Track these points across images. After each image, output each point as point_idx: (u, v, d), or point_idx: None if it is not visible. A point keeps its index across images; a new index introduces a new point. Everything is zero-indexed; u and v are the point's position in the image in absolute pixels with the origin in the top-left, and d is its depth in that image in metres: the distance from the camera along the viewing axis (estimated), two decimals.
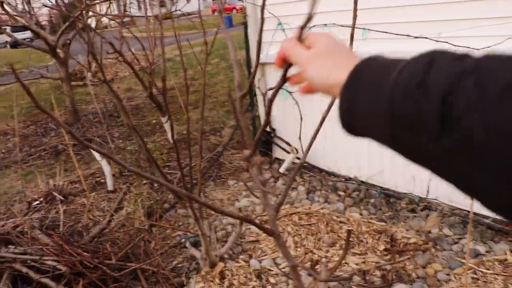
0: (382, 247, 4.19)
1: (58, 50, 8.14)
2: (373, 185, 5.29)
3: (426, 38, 4.27)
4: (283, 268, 4.15)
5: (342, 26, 4.86)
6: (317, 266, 4.09)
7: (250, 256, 4.37)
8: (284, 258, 2.93)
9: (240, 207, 5.30)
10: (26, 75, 9.16)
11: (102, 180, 6.33)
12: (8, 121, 10.10)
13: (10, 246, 4.71)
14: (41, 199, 5.96)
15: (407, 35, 4.39)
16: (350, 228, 4.10)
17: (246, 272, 4.10)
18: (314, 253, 4.25)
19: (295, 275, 2.36)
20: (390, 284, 3.77)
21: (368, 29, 4.64)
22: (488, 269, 3.76)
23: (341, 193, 5.33)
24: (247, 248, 4.52)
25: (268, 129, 6.15)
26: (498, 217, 3.37)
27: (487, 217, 4.40)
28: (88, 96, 10.96)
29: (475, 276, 3.76)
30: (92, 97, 8.62)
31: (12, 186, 6.67)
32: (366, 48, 4.80)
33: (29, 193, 6.15)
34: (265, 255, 4.36)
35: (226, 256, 4.34)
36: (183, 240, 4.65)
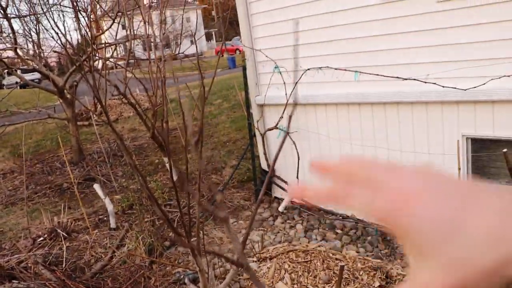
0: (377, 284, 4.26)
1: (65, 92, 8.44)
2: (370, 223, 5.40)
3: (415, 79, 4.49)
4: None
5: (335, 69, 5.12)
6: None
7: None
8: None
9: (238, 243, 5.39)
10: (34, 115, 9.43)
11: (105, 218, 6.46)
12: (15, 159, 10.31)
13: (14, 281, 4.83)
14: (45, 235, 6.09)
15: (397, 77, 4.61)
16: (343, 264, 4.18)
17: None
18: None
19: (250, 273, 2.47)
20: None
21: (360, 72, 4.86)
22: None
23: (339, 231, 5.43)
24: (244, 285, 4.59)
25: (267, 168, 6.31)
26: None
27: None
28: (93, 135, 11.21)
29: None
30: (97, 137, 8.85)
31: (18, 222, 6.80)
32: (358, 89, 5.02)
33: (34, 230, 6.28)
34: None
35: None
36: (182, 276, 4.74)
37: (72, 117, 8.60)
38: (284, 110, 5.67)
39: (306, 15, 5.23)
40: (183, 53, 8.70)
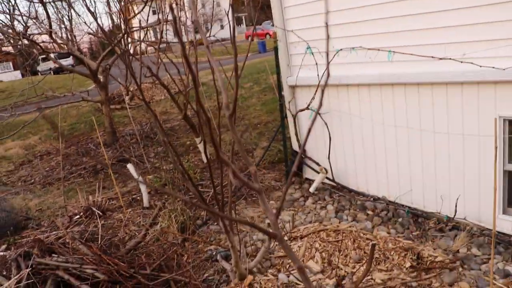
0: (408, 264, 4.25)
1: (99, 75, 8.61)
2: (402, 204, 5.36)
3: (450, 59, 4.39)
4: (312, 282, 4.25)
5: (369, 49, 5.06)
6: (343, 281, 4.19)
7: (279, 270, 4.49)
8: (291, 261, 3.02)
9: (269, 223, 5.45)
10: (69, 98, 9.66)
11: (138, 197, 6.61)
12: (52, 142, 10.62)
13: (53, 255, 5.02)
14: (81, 213, 6.28)
15: (432, 57, 4.52)
16: (374, 242, 4.18)
17: (274, 285, 4.22)
18: (341, 269, 4.34)
19: (303, 277, 2.52)
20: None
21: (394, 52, 4.79)
22: None
23: (370, 212, 5.42)
24: (275, 263, 4.65)
25: (298, 149, 6.32)
26: None
27: None
28: (125, 118, 11.42)
29: None
30: (130, 119, 9.01)
31: (55, 201, 7.03)
32: (392, 70, 4.96)
33: (70, 208, 6.48)
34: (292, 270, 4.48)
35: (255, 270, 4.48)
36: (214, 253, 4.83)
37: (105, 99, 8.78)
38: (316, 91, 5.65)
39: None
40: (214, 35, 8.75)
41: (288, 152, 6.51)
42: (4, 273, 5.02)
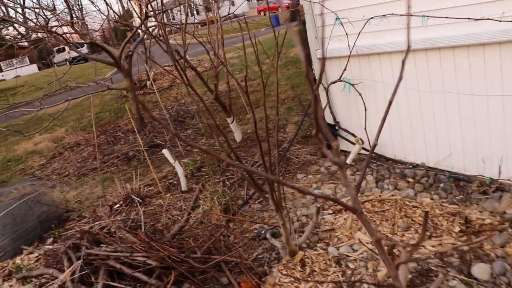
0: (457, 229, 4.25)
1: (122, 62, 8.63)
2: (441, 170, 5.33)
3: (488, 19, 4.29)
4: (361, 253, 4.29)
5: (401, 15, 4.96)
6: (394, 250, 4.21)
7: (327, 244, 4.54)
8: (368, 234, 3.02)
9: (309, 200, 5.48)
10: (92, 88, 9.73)
11: (175, 182, 6.68)
12: (79, 132, 10.74)
13: (101, 245, 5.13)
14: (121, 202, 6.39)
15: (468, 18, 4.42)
16: (427, 209, 4.18)
17: (325, 259, 4.27)
18: (390, 238, 4.37)
19: (380, 249, 2.54)
20: (469, 265, 3.84)
21: (428, 16, 4.69)
22: None
23: (410, 179, 5.40)
24: (323, 237, 4.69)
25: (332, 122, 6.30)
26: None
27: None
28: (149, 103, 11.47)
29: None
30: (159, 103, 9.03)
31: (92, 192, 7.16)
32: (426, 35, 4.86)
33: (109, 197, 6.59)
34: (341, 242, 4.52)
35: (304, 245, 4.53)
36: (263, 231, 4.88)
37: (130, 86, 8.81)
38: (347, 62, 5.59)
39: None
40: (233, 13, 8.67)
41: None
42: (55, 266, 5.17)
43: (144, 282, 4.49)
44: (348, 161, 6.03)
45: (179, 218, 5.73)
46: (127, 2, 23.23)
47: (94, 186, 7.39)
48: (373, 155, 5.95)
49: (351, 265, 4.18)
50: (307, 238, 4.54)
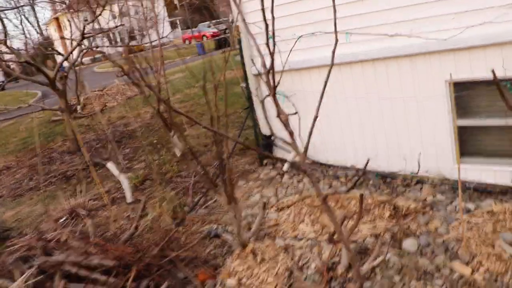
0: (387, 214, 4.87)
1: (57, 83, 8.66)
2: (369, 170, 5.99)
3: (400, 35, 5.09)
4: (305, 242, 4.75)
5: (327, 33, 5.65)
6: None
7: (274, 237, 4.96)
8: (316, 192, 3.42)
9: (253, 202, 5.90)
10: (22, 111, 9.57)
11: (119, 195, 6.82)
12: (6, 157, 10.42)
13: (53, 253, 5.17)
14: (66, 216, 6.41)
15: (384, 34, 5.19)
16: (362, 193, 4.73)
17: (274, 249, 4.68)
18: (329, 227, 4.88)
19: (325, 207, 3.03)
20: (400, 241, 4.44)
21: (351, 33, 5.41)
22: (479, 218, 4.48)
23: (343, 180, 6.01)
24: (269, 232, 5.11)
25: (268, 133, 6.81)
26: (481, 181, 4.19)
27: (472, 182, 5.15)
28: (80, 127, 11.40)
29: (469, 224, 4.47)
30: (91, 126, 9.11)
31: (31, 210, 7.07)
32: (349, 50, 5.58)
33: (53, 213, 6.58)
34: (287, 234, 4.96)
35: (252, 239, 4.91)
36: (213, 230, 5.21)
37: (66, 107, 8.81)
38: (280, 77, 6.15)
39: None
40: (162, 38, 9.04)
41: (258, 136, 6.98)
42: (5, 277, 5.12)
43: (102, 283, 4.60)
44: (285, 168, 6.55)
45: (128, 227, 5.88)
46: (46, 30, 22.90)
47: (32, 205, 7.30)
48: (308, 161, 6.51)
49: (297, 252, 4.62)
50: (255, 232, 4.94)
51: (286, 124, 2.37)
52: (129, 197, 6.47)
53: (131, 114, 11.08)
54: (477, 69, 4.85)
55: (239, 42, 6.52)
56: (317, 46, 5.81)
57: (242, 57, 6.60)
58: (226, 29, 26.77)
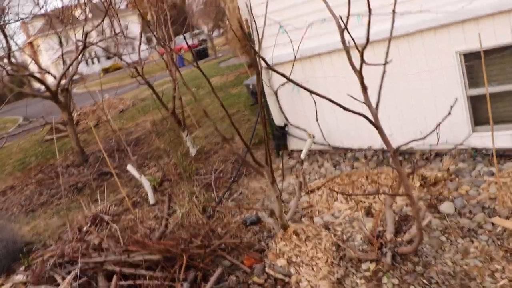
0: (418, 184, 5.06)
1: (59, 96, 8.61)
2: (386, 150, 6.18)
3: (410, 13, 5.33)
4: (343, 218, 4.89)
5: (340, 17, 5.84)
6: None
7: (311, 217, 5.08)
8: (386, 145, 3.50)
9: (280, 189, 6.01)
10: (23, 129, 9.45)
11: (139, 199, 6.83)
12: (5, 179, 10.24)
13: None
14: (89, 224, 6.37)
15: (400, 13, 5.40)
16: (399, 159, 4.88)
17: (314, 227, 4.80)
18: (364, 202, 5.04)
19: (395, 160, 3.16)
20: (435, 205, 4.62)
21: (362, 15, 5.61)
22: (506, 178, 4.70)
23: (363, 160, 6.18)
24: (304, 213, 5.23)
25: (281, 124, 6.95)
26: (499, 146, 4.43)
27: (490, 148, 5.39)
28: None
29: (498, 185, 4.69)
30: (88, 140, 9.08)
31: (48, 223, 7.00)
32: (362, 32, 5.77)
33: (74, 223, 6.54)
34: (323, 213, 5.09)
35: (290, 221, 5.02)
36: (248, 218, 5.30)
37: (69, 119, 8.76)
38: (293, 66, 6.33)
39: None
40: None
41: (272, 129, 7.10)
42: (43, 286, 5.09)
43: (150, 278, 4.61)
44: (302, 155, 6.68)
45: (157, 226, 5.90)
46: (20, 55, 22.56)
47: (47, 218, 7.22)
48: (323, 145, 6.67)
49: (338, 228, 4.76)
50: (294, 213, 5.05)
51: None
52: (152, 199, 6.49)
53: (129, 125, 11.07)
54: (486, 38, 5.11)
55: (249, 35, 6.65)
56: (327, 32, 6.00)
57: (253, 48, 6.72)
58: (203, 40, 26.99)
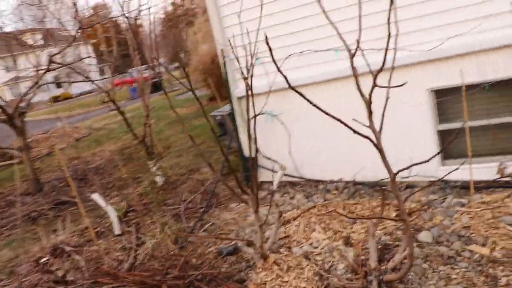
0: (393, 214, 5.15)
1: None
2: (358, 182, 6.29)
3: (392, 49, 5.54)
4: (322, 248, 4.87)
5: (316, 51, 6.01)
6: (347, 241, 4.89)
7: (289, 248, 5.02)
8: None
9: (253, 220, 5.93)
10: None
11: (102, 229, 6.52)
12: None
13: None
14: (48, 255, 5.99)
15: (374, 49, 5.62)
16: (385, 187, 4.94)
17: (294, 257, 4.74)
18: (342, 231, 5.05)
19: (394, 185, 3.21)
20: (414, 235, 4.71)
21: (340, 50, 5.80)
22: (477, 208, 4.89)
23: (335, 192, 6.24)
24: (282, 244, 5.16)
25: (250, 155, 6.92)
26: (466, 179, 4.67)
27: (458, 181, 5.61)
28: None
29: (469, 216, 4.86)
30: (41, 168, 8.64)
31: None
32: (338, 67, 5.95)
33: (31, 254, 6.12)
34: (301, 243, 5.05)
35: (269, 251, 4.93)
36: (225, 248, 5.16)
37: (24, 145, 8.30)
38: (268, 97, 6.38)
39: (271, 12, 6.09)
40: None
41: (242, 160, 7.07)
42: None
43: None
44: (274, 186, 6.67)
45: (125, 258, 5.62)
46: None
47: None
48: (294, 177, 6.70)
49: (318, 258, 4.72)
50: (273, 243, 4.97)
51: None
52: (117, 229, 6.20)
53: (86, 154, 10.68)
54: (454, 76, 5.41)
55: (224, 65, 6.68)
56: (305, 65, 6.14)
57: (227, 80, 6.75)
58: (157, 73, 26.70)
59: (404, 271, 3.81)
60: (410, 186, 5.88)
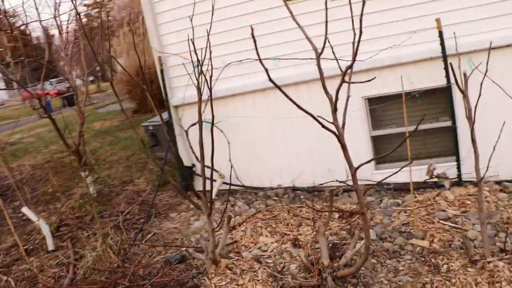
0: (337, 216, 5.37)
1: None
2: (297, 188, 6.48)
3: (326, 59, 5.82)
4: (271, 251, 4.95)
5: (256, 60, 6.13)
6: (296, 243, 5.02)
7: (238, 252, 5.04)
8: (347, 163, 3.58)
9: (196, 228, 5.88)
10: None
11: (31, 246, 6.10)
12: None
13: None
14: None
15: (310, 58, 5.89)
16: (332, 188, 5.12)
17: (245, 261, 4.77)
18: (289, 234, 5.18)
19: (355, 179, 3.39)
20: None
21: (279, 59, 6.00)
22: (411, 207, 5.27)
23: (275, 198, 6.37)
24: (230, 249, 5.17)
25: (189, 164, 6.88)
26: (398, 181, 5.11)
27: (391, 183, 5.99)
28: None
29: (406, 214, 5.22)
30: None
31: None
32: (277, 75, 6.12)
33: None
34: (250, 248, 5.09)
35: (219, 257, 4.91)
36: (173, 256, 5.06)
37: None
38: (205, 106, 6.40)
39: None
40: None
41: (181, 169, 6.97)
42: None
43: None
44: (214, 195, 6.65)
45: (63, 273, 5.30)
46: None
47: None
48: (234, 186, 6.74)
49: (269, 261, 4.79)
50: (222, 248, 4.96)
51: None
52: (51, 245, 5.83)
53: (1, 169, 9.88)
54: (386, 85, 5.81)
55: (161, 73, 6.60)
56: (242, 74, 6.26)
57: (164, 86, 6.67)
58: (69, 87, 25.43)
59: (359, 264, 3.99)
60: (347, 190, 6.17)
